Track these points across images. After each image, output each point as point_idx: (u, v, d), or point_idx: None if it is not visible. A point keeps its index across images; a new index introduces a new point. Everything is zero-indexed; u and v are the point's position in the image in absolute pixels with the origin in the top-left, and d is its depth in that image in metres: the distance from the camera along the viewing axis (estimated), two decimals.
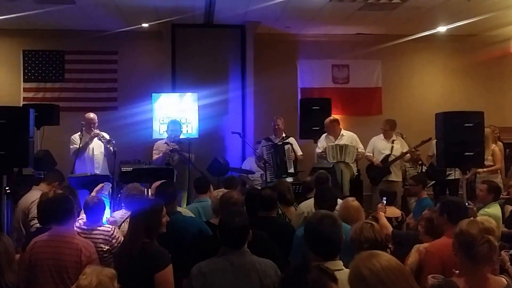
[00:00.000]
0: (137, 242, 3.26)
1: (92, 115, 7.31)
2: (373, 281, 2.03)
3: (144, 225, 3.31)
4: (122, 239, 4.25)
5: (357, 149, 7.52)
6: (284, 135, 7.72)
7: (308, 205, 4.82)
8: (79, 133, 7.14)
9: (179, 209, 4.52)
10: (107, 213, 4.95)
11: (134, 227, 3.36)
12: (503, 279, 2.57)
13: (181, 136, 7.52)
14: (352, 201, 4.41)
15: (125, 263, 3.24)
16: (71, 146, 7.18)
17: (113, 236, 4.30)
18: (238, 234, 3.06)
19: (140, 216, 3.36)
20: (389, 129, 8.04)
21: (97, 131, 7.19)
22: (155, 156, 7.26)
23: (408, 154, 7.89)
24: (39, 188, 5.53)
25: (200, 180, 5.63)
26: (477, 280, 2.54)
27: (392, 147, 7.95)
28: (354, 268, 2.13)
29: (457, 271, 2.71)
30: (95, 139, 7.19)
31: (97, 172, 6.96)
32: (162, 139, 7.56)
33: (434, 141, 7.22)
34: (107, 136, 7.19)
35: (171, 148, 7.11)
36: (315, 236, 2.86)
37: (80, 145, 7.03)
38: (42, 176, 6.04)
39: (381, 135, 8.14)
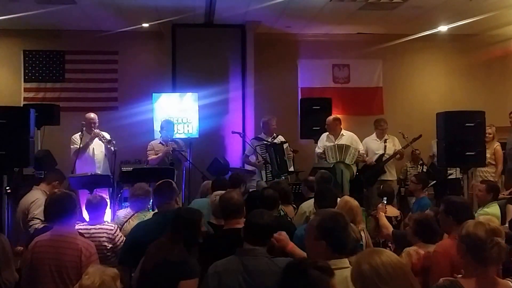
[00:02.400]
0: (173, 247, 3.26)
1: (92, 115, 7.31)
2: (372, 275, 2.02)
3: (181, 233, 3.31)
4: (125, 239, 4.26)
5: (358, 150, 7.53)
6: (274, 134, 7.72)
7: (310, 204, 4.82)
8: (79, 133, 7.13)
9: None
10: (107, 213, 4.96)
11: (172, 233, 3.34)
12: (510, 282, 2.53)
13: (174, 136, 7.55)
14: (353, 201, 4.46)
15: (154, 263, 3.24)
16: (72, 146, 7.17)
17: (116, 234, 4.32)
18: (264, 231, 3.15)
19: (179, 224, 3.36)
20: (386, 126, 8.07)
21: (97, 131, 7.19)
22: (151, 157, 7.22)
23: (398, 154, 7.93)
24: (39, 188, 5.55)
25: (219, 180, 5.68)
26: (487, 282, 2.49)
27: (385, 146, 8.00)
28: (356, 264, 2.13)
29: (460, 274, 2.67)
30: (96, 139, 7.19)
31: (98, 172, 6.96)
32: (156, 139, 7.55)
33: (434, 141, 7.21)
34: (107, 136, 7.19)
35: (172, 148, 7.11)
36: (337, 234, 2.72)
37: (81, 145, 7.03)
38: (43, 176, 6.05)
39: (373, 135, 8.18)
